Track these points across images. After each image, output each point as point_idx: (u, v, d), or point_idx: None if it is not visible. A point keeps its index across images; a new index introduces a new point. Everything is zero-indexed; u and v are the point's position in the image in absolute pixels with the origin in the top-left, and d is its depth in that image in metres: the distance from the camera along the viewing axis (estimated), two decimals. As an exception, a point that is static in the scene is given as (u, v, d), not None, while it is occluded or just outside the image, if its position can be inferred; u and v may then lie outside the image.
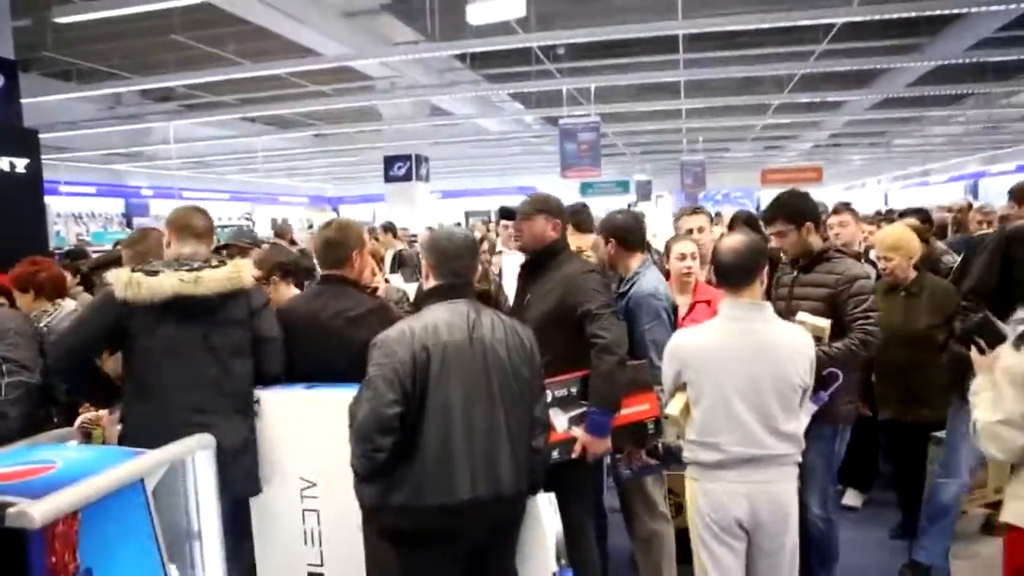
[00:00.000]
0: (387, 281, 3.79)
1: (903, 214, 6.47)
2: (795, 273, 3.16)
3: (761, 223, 4.10)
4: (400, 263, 7.45)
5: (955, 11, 9.25)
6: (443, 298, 2.24)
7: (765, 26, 9.23)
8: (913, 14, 8.79)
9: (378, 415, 2.02)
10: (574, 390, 2.70)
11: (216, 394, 2.49)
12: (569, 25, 9.73)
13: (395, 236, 8.66)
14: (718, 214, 10.53)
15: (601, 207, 18.99)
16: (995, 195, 21.03)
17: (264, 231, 20.79)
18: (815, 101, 14.88)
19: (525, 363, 2.24)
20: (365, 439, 2.03)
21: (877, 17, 8.61)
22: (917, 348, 3.55)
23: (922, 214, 6.12)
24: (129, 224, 20.68)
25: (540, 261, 2.95)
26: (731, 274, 2.44)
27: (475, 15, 6.70)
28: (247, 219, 18.51)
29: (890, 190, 31.29)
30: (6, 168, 5.81)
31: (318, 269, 3.04)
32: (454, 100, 14.87)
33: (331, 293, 2.76)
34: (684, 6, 8.69)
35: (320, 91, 13.77)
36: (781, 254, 3.31)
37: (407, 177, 16.58)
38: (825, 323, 2.89)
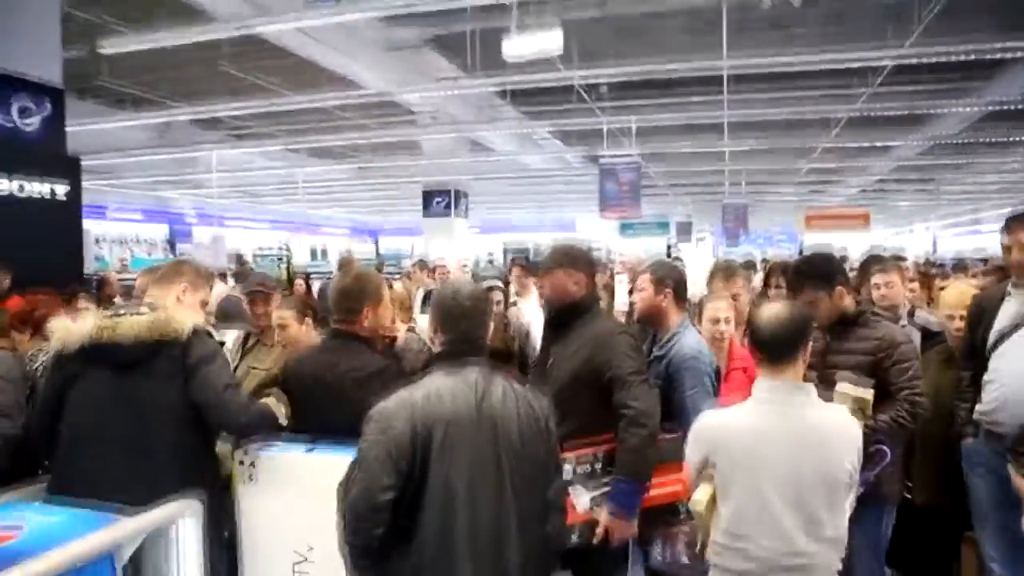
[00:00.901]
0: (412, 328, 3.57)
1: (960, 267, 6.00)
2: (826, 338, 2.89)
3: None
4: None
5: (1008, 56, 8.90)
6: (450, 364, 1.99)
7: (812, 68, 9.01)
8: (963, 58, 8.49)
9: (370, 499, 1.79)
10: (598, 466, 2.45)
11: (128, 458, 2.19)
12: (611, 62, 9.63)
13: (431, 274, 8.50)
14: (764, 260, 10.22)
15: (641, 247, 18.78)
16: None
17: (303, 259, 21.07)
18: (863, 145, 14.53)
19: (539, 440, 1.99)
20: (356, 524, 1.81)
21: (927, 61, 8.34)
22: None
23: (997, 270, 5.20)
24: (172, 249, 21.07)
25: (565, 318, 2.72)
26: (771, 349, 2.13)
27: (512, 49, 6.56)
28: (283, 249, 18.63)
29: (939, 235, 30.44)
30: (47, 194, 5.87)
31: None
32: (495, 135, 14.90)
33: (339, 349, 2.61)
34: (729, 44, 8.54)
35: (363, 123, 13.89)
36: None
37: (446, 212, 16.60)
38: (869, 393, 2.61)
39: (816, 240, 24.62)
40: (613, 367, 2.46)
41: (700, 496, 2.13)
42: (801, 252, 23.98)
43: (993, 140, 13.60)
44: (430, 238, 16.92)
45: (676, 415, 2.69)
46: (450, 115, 12.61)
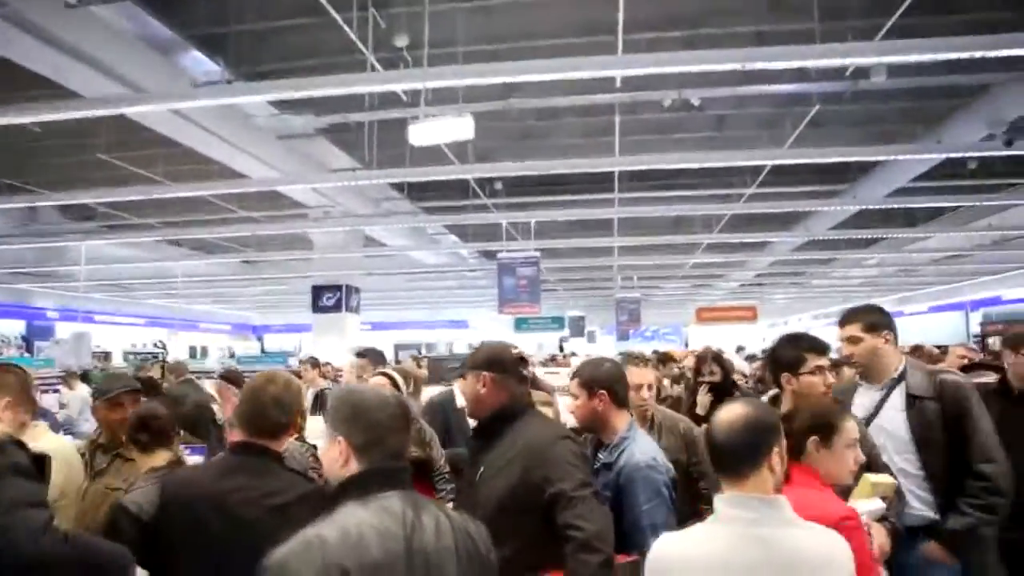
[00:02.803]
0: (299, 436, 3.07)
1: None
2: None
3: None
4: (322, 404, 6.71)
5: (876, 159, 9.69)
6: (370, 491, 1.56)
7: (696, 166, 9.44)
8: (835, 160, 9.15)
9: None
10: None
11: None
12: (508, 161, 9.73)
13: (322, 372, 7.96)
14: (655, 352, 10.31)
15: (533, 343, 18.68)
16: (911, 336, 21.98)
17: (181, 356, 19.65)
18: (743, 242, 15.32)
19: None
20: None
21: (804, 161, 8.92)
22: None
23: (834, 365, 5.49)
24: (29, 347, 19.16)
25: (492, 426, 2.37)
26: (727, 459, 1.83)
27: (418, 136, 6.26)
28: (159, 347, 17.34)
29: (812, 327, 32.38)
30: None
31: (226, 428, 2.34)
32: (389, 231, 14.68)
33: (244, 469, 2.07)
34: (621, 146, 8.83)
35: (250, 216, 13.34)
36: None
37: (336, 308, 15.94)
38: (893, 480, 2.43)
39: (703, 334, 25.58)
40: (555, 482, 2.11)
41: None
42: (687, 346, 24.78)
43: (855, 237, 14.64)
44: (319, 335, 16.16)
45: (629, 534, 2.34)
46: (343, 208, 12.31)
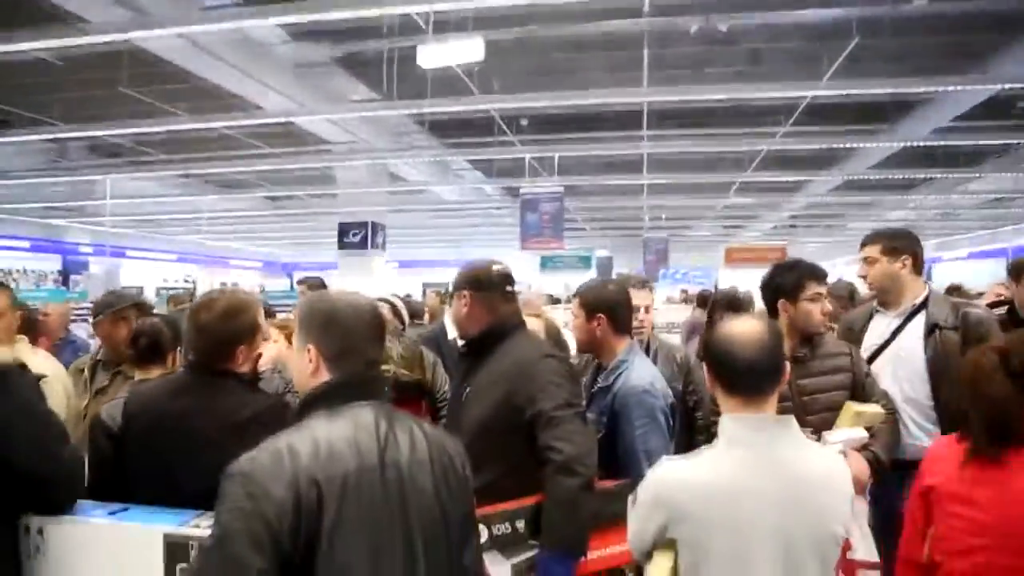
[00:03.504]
0: (279, 371, 3.00)
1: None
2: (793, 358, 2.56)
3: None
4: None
5: (923, 89, 9.18)
6: (342, 401, 1.49)
7: (727, 101, 9.08)
8: (877, 91, 8.71)
9: None
10: (520, 525, 1.94)
11: None
12: (532, 96, 9.44)
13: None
14: (683, 291, 10.14)
15: (561, 283, 18.55)
16: (947, 281, 21.39)
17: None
18: (777, 181, 14.90)
19: (458, 496, 1.55)
20: None
21: (845, 92, 8.51)
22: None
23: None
24: (65, 282, 19.60)
25: (480, 346, 2.28)
26: (750, 377, 1.70)
27: (427, 58, 6.05)
28: (188, 282, 17.58)
29: (844, 274, 31.73)
30: None
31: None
32: (412, 167, 14.50)
33: (205, 387, 2.01)
34: (649, 82, 8.49)
35: (273, 153, 13.26)
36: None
37: (362, 245, 15.90)
38: (881, 410, 2.38)
39: (734, 277, 25.19)
40: (536, 402, 2.01)
41: (658, 573, 1.69)
42: (716, 288, 24.45)
43: (895, 179, 14.12)
44: (345, 274, 16.20)
45: (624, 459, 2.25)
46: (365, 144, 12.15)
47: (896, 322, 2.82)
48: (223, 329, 2.06)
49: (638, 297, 2.98)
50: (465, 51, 5.89)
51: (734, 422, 1.72)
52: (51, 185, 15.07)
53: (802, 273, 2.66)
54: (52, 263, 20.54)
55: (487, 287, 2.31)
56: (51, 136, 11.51)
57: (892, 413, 2.57)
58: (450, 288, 2.41)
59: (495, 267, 2.35)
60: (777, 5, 6.95)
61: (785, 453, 1.68)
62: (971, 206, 18.68)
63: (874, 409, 2.32)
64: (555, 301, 11.27)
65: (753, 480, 1.64)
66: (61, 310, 6.07)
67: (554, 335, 3.45)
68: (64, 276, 20.13)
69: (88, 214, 18.34)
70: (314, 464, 1.36)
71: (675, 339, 6.60)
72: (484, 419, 2.10)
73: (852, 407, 2.34)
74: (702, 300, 8.13)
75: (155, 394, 2.09)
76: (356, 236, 15.87)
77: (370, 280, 15.50)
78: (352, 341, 1.53)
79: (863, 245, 2.92)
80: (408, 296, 17.95)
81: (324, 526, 1.33)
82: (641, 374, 2.43)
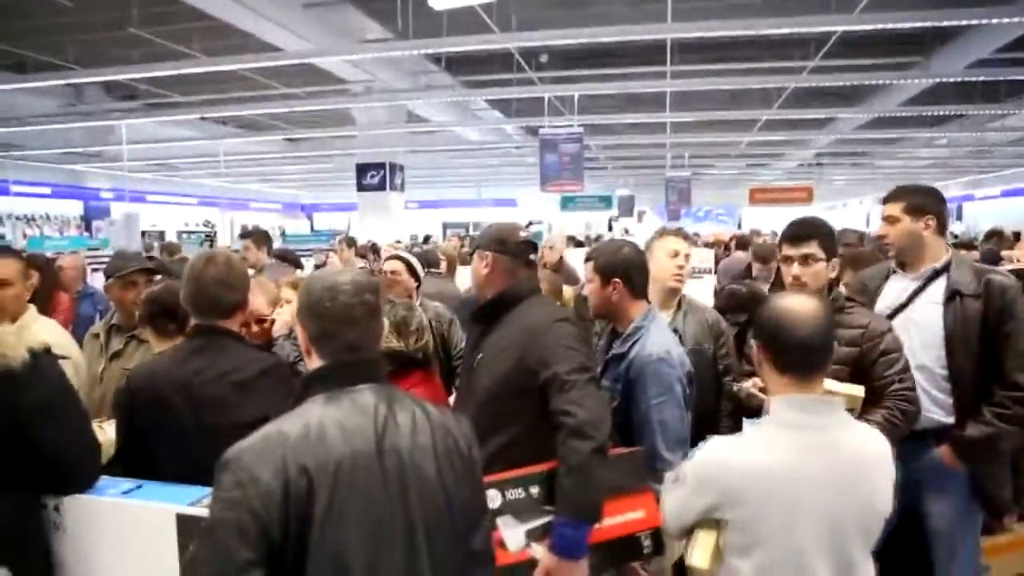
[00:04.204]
0: (293, 337, 2.97)
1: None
2: None
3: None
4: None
5: (956, 23, 8.76)
6: (337, 385, 1.45)
7: (755, 33, 8.72)
8: (913, 24, 8.33)
9: None
10: (535, 491, 1.91)
11: None
12: (551, 31, 9.15)
13: (358, 253, 7.84)
14: (695, 234, 9.96)
15: (581, 222, 18.44)
16: (983, 221, 20.89)
17: (226, 240, 20.02)
18: (803, 118, 14.49)
19: (464, 480, 1.49)
20: None
21: (879, 27, 8.14)
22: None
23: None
24: (88, 227, 19.76)
25: (492, 309, 2.23)
26: (803, 356, 1.68)
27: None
28: (207, 226, 17.64)
29: (872, 211, 31.11)
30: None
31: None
32: (431, 107, 14.27)
33: (207, 350, 2.03)
34: (674, 14, 8.17)
35: (291, 93, 13.09)
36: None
37: (380, 186, 15.82)
38: (860, 390, 2.21)
39: (755, 216, 24.83)
40: (550, 365, 1.95)
41: (701, 551, 1.69)
42: (739, 227, 24.13)
43: (926, 115, 13.66)
44: (364, 214, 16.18)
45: (638, 429, 2.21)
46: (383, 84, 11.93)
47: (914, 285, 2.68)
48: (230, 278, 2.11)
49: (679, 245, 2.93)
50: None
51: (786, 403, 1.69)
52: (68, 130, 15.01)
53: (782, 236, 2.63)
54: (75, 208, 20.67)
55: (511, 251, 2.26)
56: (64, 81, 11.40)
57: (891, 411, 2.35)
58: (471, 244, 2.34)
59: (522, 232, 2.31)
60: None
61: (838, 435, 1.67)
62: (1005, 143, 18.07)
63: (853, 391, 2.17)
64: (578, 244, 11.17)
65: (810, 464, 1.63)
66: (75, 263, 5.89)
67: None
68: (86, 222, 20.27)
69: (107, 159, 18.35)
70: (304, 450, 1.32)
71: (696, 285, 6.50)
72: (496, 383, 2.08)
73: (828, 384, 2.24)
74: (742, 243, 7.96)
75: (160, 367, 2.10)
76: (375, 177, 15.80)
77: (389, 221, 15.49)
78: (326, 325, 1.47)
79: (886, 201, 2.76)
80: (428, 238, 17.91)
81: (315, 515, 1.29)
82: (657, 341, 2.34)
